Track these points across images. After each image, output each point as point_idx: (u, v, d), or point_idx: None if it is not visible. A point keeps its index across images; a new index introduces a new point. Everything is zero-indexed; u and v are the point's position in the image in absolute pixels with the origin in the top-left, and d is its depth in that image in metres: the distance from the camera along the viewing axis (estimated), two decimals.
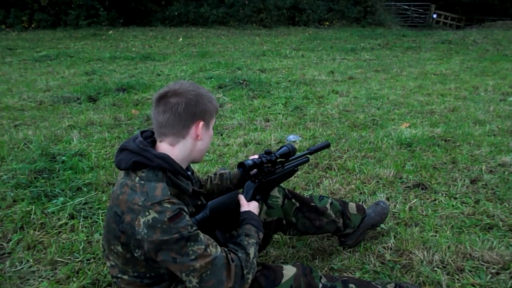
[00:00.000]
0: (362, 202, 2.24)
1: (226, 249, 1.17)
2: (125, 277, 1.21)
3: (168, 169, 1.15)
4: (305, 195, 1.70)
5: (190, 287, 1.11)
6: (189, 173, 1.30)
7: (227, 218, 1.33)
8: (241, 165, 1.35)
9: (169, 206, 1.08)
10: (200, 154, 1.28)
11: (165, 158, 1.15)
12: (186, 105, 1.17)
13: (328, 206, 1.67)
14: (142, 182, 1.11)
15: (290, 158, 1.58)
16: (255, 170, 1.44)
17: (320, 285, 1.28)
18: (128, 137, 1.48)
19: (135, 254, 1.14)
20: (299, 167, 1.65)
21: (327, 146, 1.77)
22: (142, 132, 1.26)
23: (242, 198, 1.39)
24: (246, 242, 1.22)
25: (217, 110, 1.28)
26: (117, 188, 1.16)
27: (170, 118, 1.17)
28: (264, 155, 1.45)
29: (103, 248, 1.24)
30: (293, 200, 1.61)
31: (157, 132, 1.22)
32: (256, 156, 1.45)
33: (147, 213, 1.06)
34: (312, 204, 1.65)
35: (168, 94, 1.18)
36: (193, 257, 1.07)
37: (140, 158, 1.14)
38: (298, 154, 1.64)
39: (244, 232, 1.26)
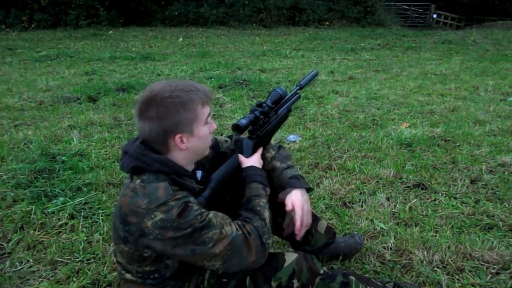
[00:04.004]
0: (362, 202, 2.24)
1: (240, 222, 1.16)
2: (129, 275, 1.21)
3: (170, 172, 1.13)
4: None
5: (214, 269, 1.12)
6: (200, 173, 1.28)
7: (234, 183, 1.31)
8: (236, 127, 1.29)
9: (174, 203, 1.07)
10: (202, 153, 1.23)
11: (165, 161, 1.12)
12: (151, 126, 1.10)
13: None
14: (143, 184, 1.10)
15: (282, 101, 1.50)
16: (250, 126, 1.38)
17: (322, 271, 1.26)
18: (130, 138, 1.47)
19: (145, 254, 1.13)
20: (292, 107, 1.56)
21: (316, 75, 1.65)
22: None
23: (240, 156, 1.36)
24: (258, 207, 1.21)
25: (204, 101, 1.14)
26: (123, 188, 1.17)
27: (149, 138, 1.13)
28: (256, 108, 1.39)
29: (114, 242, 1.23)
30: None
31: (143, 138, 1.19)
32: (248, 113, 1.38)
33: (153, 216, 1.06)
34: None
35: (138, 107, 1.11)
36: (210, 244, 1.07)
37: (138, 163, 1.12)
38: (288, 94, 1.53)
39: (252, 194, 1.24)
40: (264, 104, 1.41)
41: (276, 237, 1.87)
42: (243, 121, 1.31)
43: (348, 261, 1.73)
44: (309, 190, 1.39)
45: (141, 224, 1.07)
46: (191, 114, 1.12)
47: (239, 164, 1.36)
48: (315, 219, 1.62)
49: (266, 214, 1.21)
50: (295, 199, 1.32)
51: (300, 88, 1.57)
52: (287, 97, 1.51)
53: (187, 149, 1.16)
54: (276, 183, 1.41)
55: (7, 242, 1.88)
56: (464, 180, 2.48)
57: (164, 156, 1.15)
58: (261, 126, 1.42)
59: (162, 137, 1.12)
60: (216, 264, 1.10)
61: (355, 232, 1.91)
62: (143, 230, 1.07)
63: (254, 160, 1.36)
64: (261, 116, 1.40)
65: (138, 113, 1.12)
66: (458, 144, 3.10)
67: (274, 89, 1.46)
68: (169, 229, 1.05)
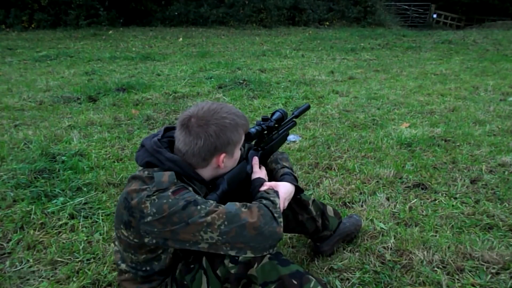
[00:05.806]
0: (362, 202, 2.24)
1: (247, 204, 1.17)
2: (123, 265, 1.24)
3: (180, 172, 1.16)
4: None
5: (213, 242, 1.09)
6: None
7: (241, 188, 1.34)
8: (246, 135, 1.33)
9: (172, 186, 1.11)
10: (224, 173, 1.28)
11: (177, 161, 1.16)
12: (205, 142, 1.15)
13: (310, 201, 1.64)
14: (150, 174, 1.14)
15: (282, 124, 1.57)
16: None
17: None
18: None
19: (146, 240, 1.13)
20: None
21: (308, 107, 1.75)
22: (166, 130, 1.27)
23: (255, 164, 1.38)
24: (268, 196, 1.22)
25: (246, 129, 1.26)
26: (132, 176, 1.20)
27: (189, 152, 1.17)
28: (262, 122, 1.43)
29: (115, 227, 1.24)
30: None
31: (178, 149, 1.21)
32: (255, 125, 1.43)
33: (153, 197, 1.09)
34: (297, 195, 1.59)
35: (190, 122, 1.16)
36: (203, 213, 1.08)
37: (152, 159, 1.17)
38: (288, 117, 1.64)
39: (261, 194, 1.26)
40: (270, 120, 1.46)
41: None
42: (253, 130, 1.36)
43: (348, 261, 1.73)
44: (299, 190, 1.42)
45: (141, 205, 1.10)
46: (238, 137, 1.22)
47: (247, 171, 1.38)
48: (323, 206, 1.72)
49: (277, 200, 1.21)
50: (282, 190, 1.31)
51: (295, 117, 1.67)
52: (286, 121, 1.59)
53: (222, 168, 1.23)
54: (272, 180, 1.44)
55: (7, 242, 1.88)
56: (464, 180, 2.48)
57: (178, 156, 1.18)
58: (266, 141, 1.47)
59: (210, 153, 1.18)
60: (214, 236, 1.08)
61: (351, 213, 2.03)
62: (142, 212, 1.10)
63: (263, 172, 1.39)
64: (266, 131, 1.45)
65: (191, 127, 1.15)
66: (458, 144, 3.10)
67: (277, 110, 1.53)
68: (165, 205, 1.07)
